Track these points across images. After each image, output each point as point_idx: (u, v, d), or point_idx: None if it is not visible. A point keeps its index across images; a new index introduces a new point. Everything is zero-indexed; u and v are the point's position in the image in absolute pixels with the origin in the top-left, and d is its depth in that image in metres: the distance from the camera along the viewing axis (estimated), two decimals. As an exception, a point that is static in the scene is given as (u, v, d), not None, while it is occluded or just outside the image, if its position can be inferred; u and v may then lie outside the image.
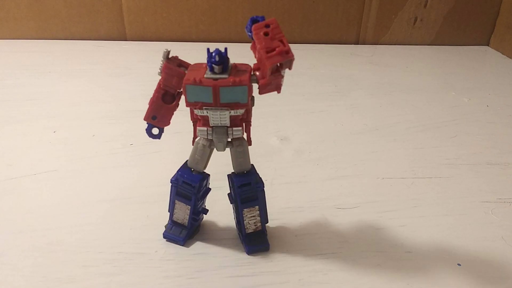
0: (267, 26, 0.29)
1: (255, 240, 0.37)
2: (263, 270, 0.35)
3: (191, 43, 0.90)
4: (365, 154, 0.52)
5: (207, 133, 0.33)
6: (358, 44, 0.95)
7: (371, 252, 0.37)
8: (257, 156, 0.50)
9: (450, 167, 0.50)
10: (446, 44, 0.96)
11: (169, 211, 0.37)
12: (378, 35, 0.94)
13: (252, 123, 0.34)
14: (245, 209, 0.36)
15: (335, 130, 0.58)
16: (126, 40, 0.90)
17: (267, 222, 0.38)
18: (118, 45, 0.88)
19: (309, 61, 0.83)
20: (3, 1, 0.85)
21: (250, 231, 0.37)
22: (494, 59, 0.90)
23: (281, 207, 0.42)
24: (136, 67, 0.76)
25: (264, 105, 0.64)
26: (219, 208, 0.40)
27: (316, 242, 0.38)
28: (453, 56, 0.90)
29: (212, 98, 0.30)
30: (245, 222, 0.36)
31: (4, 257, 0.35)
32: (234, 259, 0.36)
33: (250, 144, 0.35)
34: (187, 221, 0.37)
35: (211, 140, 0.33)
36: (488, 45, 0.97)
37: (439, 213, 0.42)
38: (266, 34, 0.29)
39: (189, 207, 0.36)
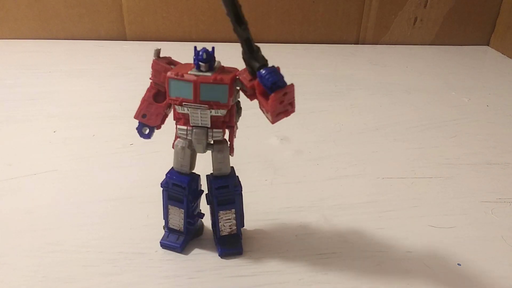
0: (285, 94, 0.29)
1: (229, 243, 0.36)
2: (263, 270, 0.35)
3: (191, 43, 0.90)
4: (365, 154, 0.52)
5: (187, 132, 0.32)
6: (358, 44, 0.95)
7: (371, 252, 0.37)
8: (257, 156, 0.51)
9: (450, 167, 0.50)
10: (446, 44, 0.96)
11: (164, 219, 0.37)
12: (378, 35, 0.94)
13: (236, 134, 0.34)
14: (221, 211, 0.35)
15: (335, 130, 0.58)
16: (126, 40, 0.90)
17: (243, 226, 0.37)
18: (118, 45, 0.88)
19: (309, 61, 0.83)
20: (3, 1, 0.84)
21: (224, 233, 0.36)
22: (494, 59, 0.90)
23: (281, 207, 0.42)
24: (136, 67, 0.76)
25: (264, 105, 0.64)
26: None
27: (316, 242, 0.38)
28: (453, 56, 0.90)
29: (192, 94, 0.30)
30: (220, 224, 0.36)
31: (4, 257, 0.35)
32: (234, 259, 0.36)
33: (232, 154, 0.34)
34: (182, 226, 0.36)
35: (191, 140, 0.33)
36: (488, 45, 0.97)
37: (439, 213, 0.42)
38: (281, 101, 0.29)
39: (183, 210, 0.35)
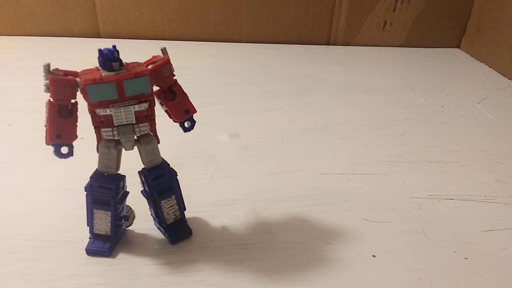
0: None
1: (177, 228, 0.38)
2: (182, 259, 0.36)
3: (164, 42, 0.91)
4: (309, 150, 0.53)
5: (113, 133, 0.33)
6: (329, 45, 0.96)
7: (291, 242, 0.38)
8: (202, 151, 0.52)
9: (389, 164, 0.51)
10: (417, 47, 0.97)
11: (88, 225, 0.36)
12: (349, 38, 0.96)
13: (157, 121, 0.35)
14: (162, 201, 0.36)
15: (286, 127, 0.59)
16: (99, 37, 0.92)
17: (185, 209, 0.39)
18: (91, 42, 0.90)
19: (277, 61, 0.84)
20: (-23, -2, 0.86)
21: (171, 221, 0.38)
22: (462, 61, 0.91)
23: (215, 200, 0.43)
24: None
25: (221, 103, 0.65)
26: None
27: (241, 233, 0.39)
28: (421, 58, 0.91)
29: (117, 93, 0.31)
30: (164, 214, 0.37)
31: None
32: (156, 249, 0.37)
33: (159, 142, 0.35)
34: (109, 229, 0.36)
35: (117, 141, 0.33)
36: (459, 48, 0.98)
37: (367, 207, 0.43)
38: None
39: (110, 213, 0.35)
